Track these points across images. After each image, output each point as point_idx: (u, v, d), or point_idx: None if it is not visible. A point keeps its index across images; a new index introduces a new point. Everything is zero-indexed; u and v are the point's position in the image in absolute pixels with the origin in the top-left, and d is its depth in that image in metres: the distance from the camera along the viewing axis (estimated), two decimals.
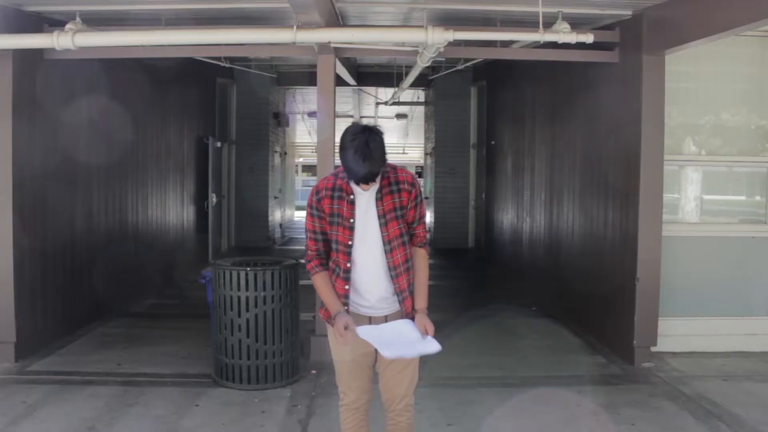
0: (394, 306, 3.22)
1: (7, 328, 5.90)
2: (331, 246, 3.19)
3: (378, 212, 3.13)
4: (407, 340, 3.14)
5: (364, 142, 2.92)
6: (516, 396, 5.27)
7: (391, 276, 3.16)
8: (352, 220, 3.12)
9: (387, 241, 3.14)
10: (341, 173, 3.14)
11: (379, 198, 3.13)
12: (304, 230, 3.31)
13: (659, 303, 6.14)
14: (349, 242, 3.13)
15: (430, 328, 3.16)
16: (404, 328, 3.19)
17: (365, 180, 2.99)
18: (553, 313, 8.07)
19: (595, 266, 7.03)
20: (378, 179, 3.09)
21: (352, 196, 3.13)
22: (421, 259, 3.27)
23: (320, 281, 3.24)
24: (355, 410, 3.36)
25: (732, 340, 6.52)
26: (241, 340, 5.30)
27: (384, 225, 3.13)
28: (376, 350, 3.25)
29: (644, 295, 6.08)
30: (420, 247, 3.27)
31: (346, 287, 3.18)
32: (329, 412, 4.91)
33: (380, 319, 3.21)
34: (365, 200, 3.13)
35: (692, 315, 6.51)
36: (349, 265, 3.15)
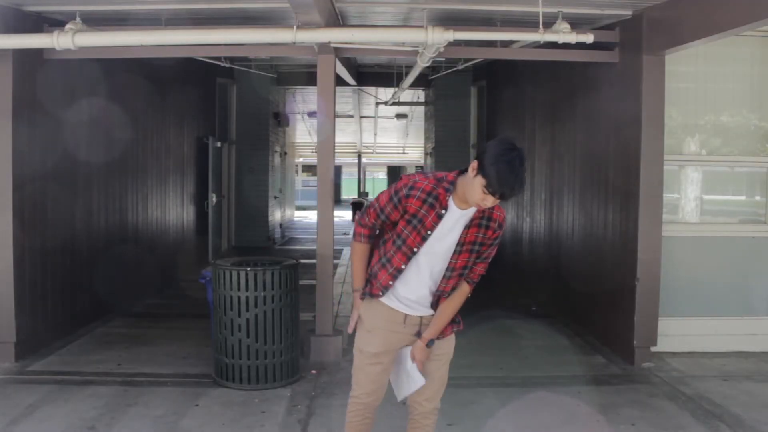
0: (428, 311, 3.20)
1: (7, 328, 5.90)
2: (393, 238, 3.11)
3: (459, 239, 3.05)
4: (405, 373, 3.25)
5: (519, 157, 2.81)
6: (516, 396, 5.26)
7: (434, 294, 3.16)
8: (429, 232, 3.02)
9: (451, 268, 3.09)
10: (446, 182, 3.01)
11: (468, 227, 3.04)
12: (373, 203, 3.19)
13: (659, 303, 6.14)
14: (415, 249, 3.05)
15: (417, 359, 3.17)
16: (405, 356, 3.25)
17: (507, 197, 2.85)
18: (553, 313, 8.07)
19: (595, 266, 7.03)
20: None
21: (443, 211, 3.01)
22: (460, 295, 3.20)
23: (360, 251, 3.23)
24: (365, 406, 3.31)
25: (732, 340, 6.52)
26: (241, 340, 5.30)
27: (457, 253, 3.06)
28: (399, 351, 3.26)
29: (644, 295, 6.08)
30: (468, 283, 3.20)
31: (391, 282, 3.14)
32: (329, 412, 4.92)
33: (415, 318, 3.18)
34: (453, 220, 3.03)
35: (692, 315, 6.51)
36: (403, 267, 3.09)
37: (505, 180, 2.79)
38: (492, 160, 2.80)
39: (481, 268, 3.18)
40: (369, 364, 3.25)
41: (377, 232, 3.25)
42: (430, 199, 3.00)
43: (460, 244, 3.06)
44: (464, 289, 3.19)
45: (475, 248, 3.08)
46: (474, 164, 2.87)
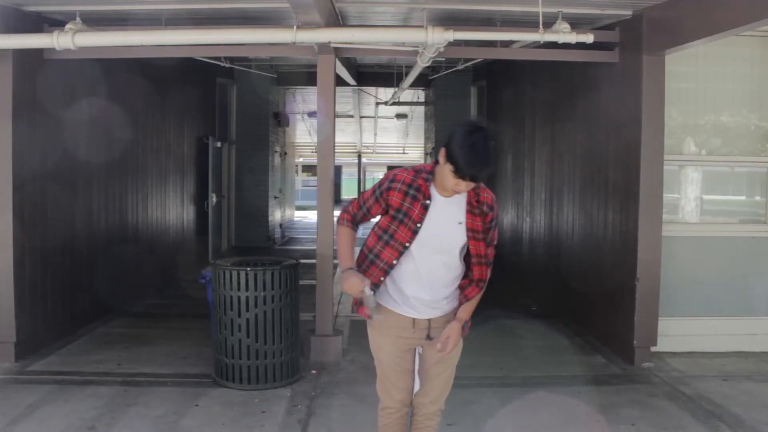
0: (436, 311, 3.16)
1: (7, 328, 5.90)
2: (379, 234, 3.10)
3: (465, 225, 3.06)
4: None
5: (482, 138, 2.83)
6: (516, 396, 5.27)
7: (452, 287, 3.14)
8: (419, 225, 3.01)
9: (477, 255, 3.09)
10: (424, 173, 3.03)
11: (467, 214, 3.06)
12: (357, 195, 3.24)
13: (659, 303, 6.14)
14: (407, 244, 3.03)
15: (449, 343, 3.06)
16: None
17: (478, 178, 2.88)
18: (553, 313, 8.07)
19: (595, 266, 7.03)
20: (465, 192, 3.00)
21: (428, 201, 3.02)
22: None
23: (345, 233, 3.18)
24: (396, 411, 3.29)
25: (732, 340, 6.52)
26: (241, 340, 5.30)
27: (469, 239, 3.06)
28: (415, 351, 3.26)
29: (644, 295, 6.08)
30: (485, 266, 3.17)
31: (382, 278, 3.10)
32: (329, 412, 4.93)
33: (423, 322, 3.16)
34: (439, 209, 3.03)
35: (692, 315, 6.51)
36: (395, 262, 3.06)
37: (471, 162, 2.83)
38: (457, 145, 2.84)
39: (490, 251, 3.17)
40: (389, 370, 3.24)
41: (359, 222, 3.24)
42: (411, 191, 3.02)
43: (470, 230, 3.06)
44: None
45: (470, 235, 3.08)
46: (442, 151, 2.92)
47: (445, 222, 3.04)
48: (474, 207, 3.06)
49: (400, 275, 3.10)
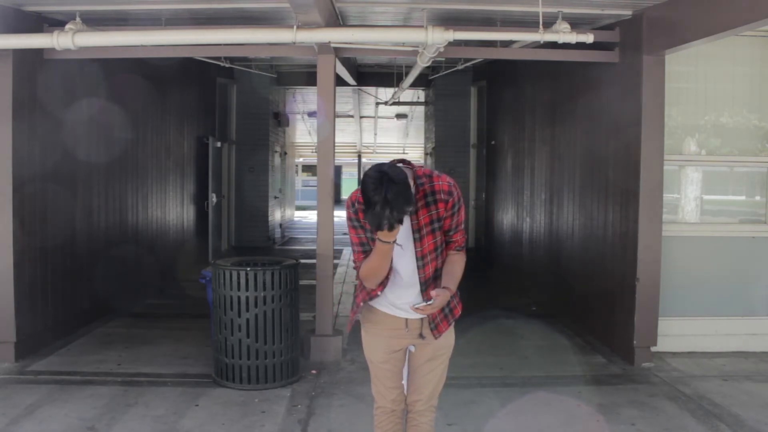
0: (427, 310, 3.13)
1: (7, 328, 5.90)
2: (364, 256, 3.09)
3: (412, 227, 3.02)
4: None
5: (383, 198, 2.68)
6: (516, 396, 5.27)
7: (422, 289, 3.10)
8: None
9: (420, 257, 3.05)
10: None
11: (414, 212, 3.00)
12: (350, 244, 3.18)
13: (659, 303, 6.14)
14: None
15: (435, 302, 2.92)
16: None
17: (390, 228, 2.77)
18: (553, 313, 8.07)
19: (595, 266, 7.03)
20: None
21: None
22: (457, 260, 3.13)
23: (364, 263, 3.07)
24: (391, 412, 3.31)
25: (732, 340, 6.52)
26: (241, 340, 5.30)
27: (419, 240, 3.02)
28: (406, 350, 3.26)
29: (644, 295, 6.08)
30: (457, 251, 3.15)
31: (379, 293, 3.12)
32: (329, 412, 4.93)
33: (416, 322, 3.16)
34: None
35: (692, 315, 6.51)
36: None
37: (380, 222, 2.72)
38: (366, 205, 2.75)
39: (459, 237, 3.14)
40: (382, 371, 3.26)
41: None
42: None
43: (416, 231, 3.02)
44: (455, 256, 3.14)
45: (435, 227, 3.04)
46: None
47: (408, 226, 3.02)
48: (427, 199, 3.01)
49: (388, 286, 3.12)
